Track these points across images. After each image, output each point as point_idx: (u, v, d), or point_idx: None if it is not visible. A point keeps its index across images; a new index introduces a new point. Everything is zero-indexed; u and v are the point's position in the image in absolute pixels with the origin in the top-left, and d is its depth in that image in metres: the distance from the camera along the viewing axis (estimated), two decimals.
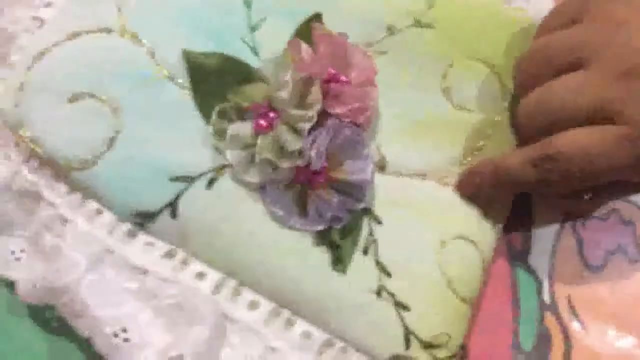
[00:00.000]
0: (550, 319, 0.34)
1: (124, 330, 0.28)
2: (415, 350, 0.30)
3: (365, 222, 0.31)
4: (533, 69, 0.30)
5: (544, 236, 0.35)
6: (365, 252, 0.30)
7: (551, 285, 0.34)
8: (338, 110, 0.29)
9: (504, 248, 0.34)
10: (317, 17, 0.32)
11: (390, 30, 0.33)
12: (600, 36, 0.28)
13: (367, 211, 0.31)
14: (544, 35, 0.30)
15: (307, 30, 0.31)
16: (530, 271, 0.34)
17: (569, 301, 0.34)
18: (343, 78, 0.30)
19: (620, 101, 0.27)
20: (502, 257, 0.34)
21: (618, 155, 0.27)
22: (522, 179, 0.29)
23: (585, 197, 0.31)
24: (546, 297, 0.34)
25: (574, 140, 0.28)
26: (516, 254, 0.34)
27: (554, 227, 0.35)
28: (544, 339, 0.33)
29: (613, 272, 0.34)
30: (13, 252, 0.32)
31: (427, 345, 0.30)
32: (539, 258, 0.34)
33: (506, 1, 0.35)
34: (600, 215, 0.35)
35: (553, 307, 0.34)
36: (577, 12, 0.30)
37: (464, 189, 0.32)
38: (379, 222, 0.31)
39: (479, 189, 0.31)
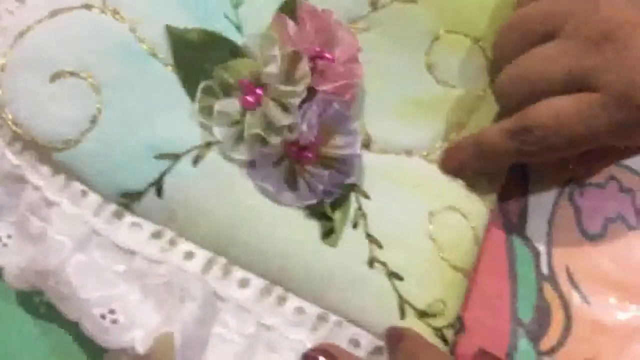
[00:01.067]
0: (549, 291, 0.33)
1: (112, 312, 0.28)
2: (411, 319, 0.29)
3: (354, 198, 0.30)
4: (510, 41, 0.30)
5: (540, 206, 0.34)
6: (355, 226, 0.30)
7: (549, 256, 0.34)
8: (325, 87, 0.29)
9: (499, 220, 0.34)
10: None
11: (374, 5, 0.33)
12: (571, 6, 0.28)
13: (355, 187, 0.31)
14: (520, 7, 0.31)
15: (291, 6, 0.30)
16: (527, 242, 0.34)
17: (568, 271, 0.33)
18: (327, 55, 0.30)
19: (593, 69, 0.27)
20: (498, 229, 0.34)
21: (594, 122, 0.27)
22: (501, 151, 0.30)
23: (570, 166, 0.32)
24: (544, 269, 0.33)
25: (549, 110, 0.28)
26: (512, 225, 0.34)
27: (551, 197, 0.34)
28: (543, 311, 0.33)
29: (613, 240, 0.34)
30: (0, 239, 0.32)
31: (423, 314, 0.30)
32: (535, 228, 0.34)
33: None
34: (598, 183, 0.34)
35: (551, 278, 0.33)
36: None
37: (448, 165, 0.32)
38: (367, 197, 0.31)
39: (463, 164, 0.32)
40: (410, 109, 0.32)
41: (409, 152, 0.32)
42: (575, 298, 0.33)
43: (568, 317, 0.33)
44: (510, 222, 0.34)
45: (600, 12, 0.28)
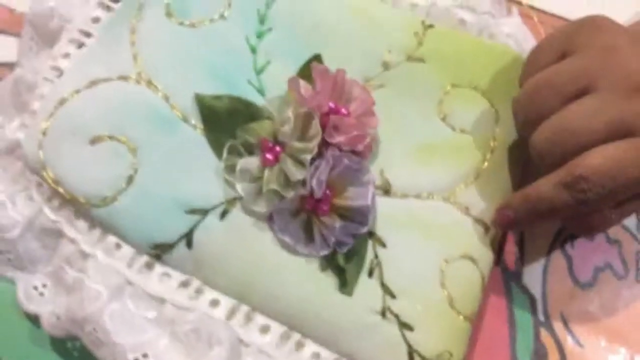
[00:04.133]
0: (545, 335, 0.36)
1: (145, 356, 0.30)
2: None
3: (370, 246, 0.33)
4: (539, 102, 0.32)
5: (535, 256, 0.37)
6: (370, 274, 0.32)
7: (545, 303, 0.36)
8: (338, 139, 0.32)
9: (498, 268, 0.36)
10: (317, 58, 0.35)
11: (386, 66, 0.36)
12: (600, 63, 0.31)
13: (372, 235, 0.33)
14: (534, 71, 0.33)
15: (309, 71, 0.34)
16: (524, 290, 0.36)
17: (562, 317, 0.36)
18: (343, 110, 0.32)
19: (633, 116, 0.29)
20: (497, 277, 0.36)
21: None
22: (556, 204, 0.31)
23: (613, 215, 0.33)
24: (540, 314, 0.36)
25: (602, 156, 0.29)
26: (510, 274, 0.37)
27: (544, 247, 0.37)
28: (540, 355, 0.35)
29: (602, 288, 0.36)
30: (36, 288, 0.34)
31: None
32: (531, 277, 0.37)
33: (490, 37, 0.38)
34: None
35: (547, 324, 0.36)
36: (565, 46, 0.32)
37: (502, 226, 0.34)
38: (384, 245, 0.33)
39: (515, 222, 0.33)
40: (427, 155, 0.34)
41: (429, 195, 0.34)
42: (569, 342, 0.35)
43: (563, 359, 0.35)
44: (508, 270, 0.37)
45: (631, 66, 0.30)
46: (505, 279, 0.36)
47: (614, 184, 0.30)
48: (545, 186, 0.31)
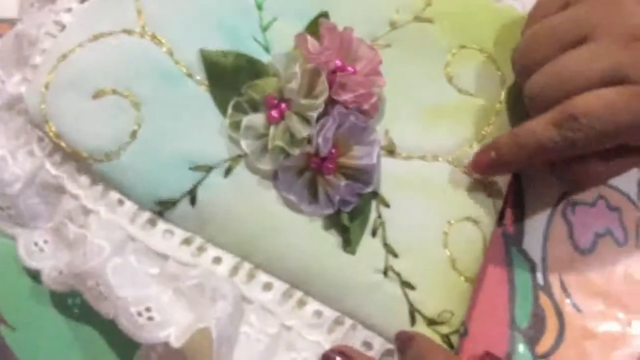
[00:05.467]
0: (544, 299, 0.36)
1: (148, 310, 0.30)
2: (420, 326, 0.32)
3: (374, 206, 0.33)
4: (537, 50, 0.32)
5: (536, 220, 0.37)
6: (373, 234, 0.32)
7: (544, 268, 0.36)
8: (344, 97, 0.32)
9: (498, 231, 0.36)
10: (324, 15, 0.35)
11: (393, 25, 0.36)
12: (602, 13, 0.31)
13: (376, 195, 0.33)
14: (536, 21, 0.33)
15: (315, 28, 0.33)
16: (524, 254, 0.37)
17: (561, 282, 0.36)
18: (349, 68, 0.32)
19: (630, 64, 0.30)
20: (498, 240, 0.36)
21: (637, 109, 0.29)
22: (546, 142, 0.31)
23: (600, 168, 0.32)
24: (540, 279, 0.36)
25: (596, 98, 0.30)
26: (511, 237, 0.37)
27: (545, 212, 0.37)
28: (538, 318, 0.35)
29: (602, 254, 0.37)
30: (36, 244, 0.34)
31: (432, 322, 0.32)
32: (532, 242, 0.37)
33: (497, 0, 0.37)
34: (588, 202, 0.38)
35: (546, 288, 0.36)
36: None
37: (481, 161, 0.33)
38: (387, 205, 0.33)
39: (499, 159, 0.33)
40: (432, 117, 0.34)
41: (435, 157, 0.34)
42: (567, 306, 0.36)
43: (561, 324, 0.35)
44: (509, 234, 0.37)
45: (632, 19, 0.30)
46: (505, 243, 0.37)
47: (604, 126, 0.30)
48: (535, 124, 0.31)
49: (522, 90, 0.33)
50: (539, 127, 0.31)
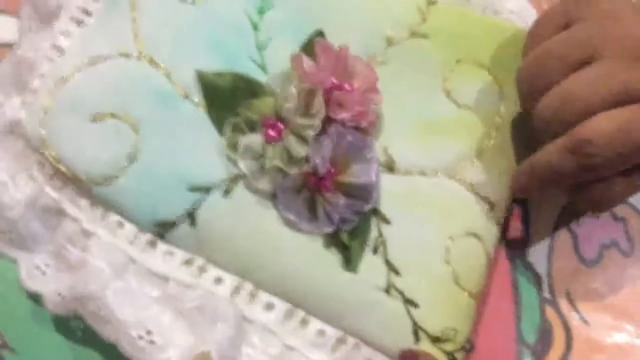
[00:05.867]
0: (550, 313, 0.35)
1: (149, 333, 0.30)
2: (424, 344, 0.31)
3: (374, 223, 0.32)
4: (543, 73, 0.31)
5: (540, 233, 0.37)
6: (375, 251, 0.32)
7: (550, 280, 0.36)
8: (341, 115, 0.32)
9: (502, 245, 0.36)
10: (319, 34, 0.34)
11: (389, 42, 0.35)
12: (603, 31, 0.30)
13: (376, 212, 0.33)
14: (537, 42, 0.32)
15: (311, 47, 0.33)
16: (529, 267, 0.36)
17: (568, 295, 0.36)
18: (346, 86, 0.32)
19: (638, 82, 0.29)
20: (502, 254, 0.36)
21: None
22: (562, 170, 0.30)
23: (618, 188, 0.32)
24: (546, 292, 0.36)
25: (609, 119, 0.29)
26: (515, 251, 0.36)
27: (550, 224, 0.37)
28: (546, 332, 0.35)
29: (608, 265, 0.36)
30: (38, 267, 0.34)
31: (436, 340, 0.32)
32: (536, 254, 0.36)
33: (494, 14, 0.37)
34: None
35: (553, 301, 0.36)
36: (567, 17, 0.32)
37: (517, 192, 0.34)
38: (388, 222, 0.33)
39: (527, 189, 0.33)
40: (431, 132, 0.34)
41: (434, 172, 0.33)
42: (574, 319, 0.35)
43: (569, 337, 0.35)
44: (513, 248, 0.36)
45: (634, 34, 0.30)
46: (510, 256, 0.36)
47: (620, 147, 0.29)
48: (550, 152, 0.31)
49: (527, 112, 0.33)
50: (554, 155, 0.30)
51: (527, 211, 0.37)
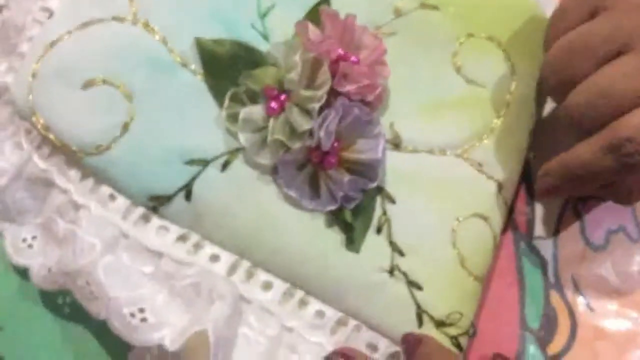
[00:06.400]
0: (555, 298, 0.34)
1: (141, 310, 0.29)
2: (428, 328, 0.30)
3: (379, 202, 0.31)
4: (572, 64, 0.30)
5: (546, 216, 0.36)
6: (378, 231, 0.31)
7: (556, 265, 0.35)
8: (347, 88, 0.30)
9: (508, 228, 0.35)
10: (325, 2, 0.33)
11: (397, 12, 0.34)
12: (635, 21, 0.29)
13: (380, 190, 0.31)
14: (561, 31, 0.31)
15: (316, 15, 0.31)
16: (535, 251, 0.35)
17: (573, 280, 0.35)
18: (353, 58, 0.30)
19: None
20: (507, 236, 0.35)
21: None
22: (599, 170, 0.29)
23: None
24: (551, 277, 0.35)
25: None
26: (521, 234, 0.35)
27: (556, 208, 0.36)
28: (550, 318, 0.34)
29: (615, 250, 0.35)
30: (25, 240, 0.32)
31: (440, 324, 0.31)
32: (543, 238, 0.35)
33: None
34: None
35: (558, 286, 0.35)
36: (590, 5, 0.30)
37: (543, 194, 0.32)
38: (393, 201, 0.31)
39: (557, 190, 0.31)
40: (439, 108, 0.33)
41: (442, 151, 0.32)
42: (580, 305, 0.34)
43: (573, 323, 0.34)
44: (519, 231, 0.35)
45: None
46: (516, 239, 0.35)
47: None
48: (585, 151, 0.29)
49: (538, 95, 0.32)
50: (591, 154, 0.29)
51: (533, 193, 0.36)
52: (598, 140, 0.29)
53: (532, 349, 0.33)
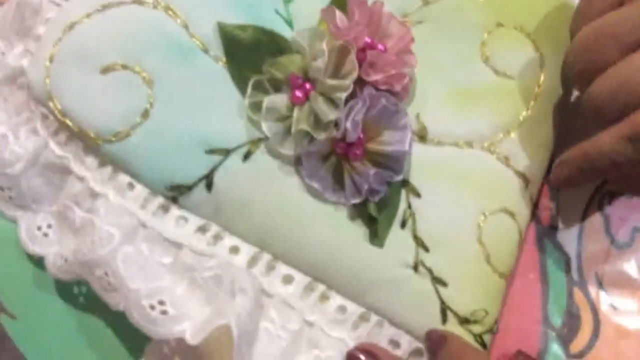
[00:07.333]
0: (579, 295, 0.34)
1: (161, 303, 0.28)
2: (452, 325, 0.30)
3: (404, 195, 0.30)
4: (597, 52, 0.29)
5: (571, 212, 0.35)
6: (403, 225, 0.30)
7: (579, 262, 0.34)
8: (374, 77, 0.29)
9: (532, 223, 0.34)
10: None
11: (425, 0, 0.33)
12: None
13: (406, 183, 0.31)
14: (588, 18, 0.30)
15: (342, 1, 0.31)
16: (559, 247, 0.34)
17: (597, 277, 0.34)
18: (380, 46, 0.30)
19: None
20: (531, 232, 0.34)
21: None
22: (620, 160, 0.29)
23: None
24: (574, 274, 0.34)
25: None
26: (544, 230, 0.34)
27: (581, 204, 0.35)
28: (573, 315, 0.33)
29: (639, 249, 0.35)
30: (40, 228, 0.32)
31: (464, 321, 0.30)
32: (566, 235, 0.35)
33: None
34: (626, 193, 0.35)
35: (581, 284, 0.34)
36: None
37: (557, 183, 0.32)
38: (418, 195, 0.31)
39: (572, 179, 0.31)
40: (467, 100, 0.32)
41: (468, 143, 0.32)
42: (602, 302, 0.34)
43: (596, 322, 0.33)
44: (543, 227, 0.35)
45: None
46: (539, 235, 0.34)
47: None
48: (606, 141, 0.29)
49: (567, 88, 0.31)
50: (612, 143, 0.29)
51: (558, 189, 0.35)
52: (619, 130, 0.29)
53: (554, 346, 0.33)
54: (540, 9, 0.34)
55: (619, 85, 0.28)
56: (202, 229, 0.30)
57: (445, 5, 0.33)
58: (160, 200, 0.30)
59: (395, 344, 0.30)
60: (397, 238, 0.30)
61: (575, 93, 0.35)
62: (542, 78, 0.33)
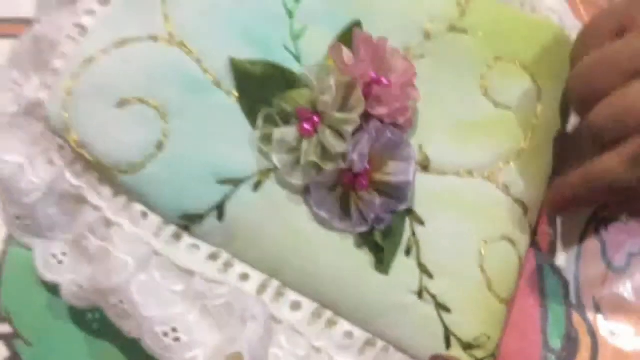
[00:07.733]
0: (577, 319, 0.35)
1: (174, 330, 0.29)
2: (456, 350, 0.31)
3: (408, 223, 0.32)
4: (598, 79, 0.30)
5: (569, 239, 0.36)
6: (407, 253, 0.31)
7: (577, 286, 0.35)
8: (380, 111, 0.30)
9: (531, 249, 0.35)
10: (357, 24, 0.33)
11: (427, 35, 0.34)
12: None
13: (410, 212, 0.32)
14: (590, 48, 0.31)
15: (348, 37, 0.32)
16: (557, 272, 0.36)
17: (595, 302, 0.35)
18: (384, 80, 0.31)
19: None
20: (530, 258, 0.35)
21: None
22: (623, 181, 0.29)
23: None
24: (573, 298, 0.35)
25: None
26: (543, 255, 0.36)
27: (578, 229, 0.36)
28: (572, 339, 0.34)
29: (635, 273, 0.36)
30: (55, 256, 0.32)
31: (467, 346, 0.31)
32: (565, 260, 0.36)
33: (532, 11, 0.36)
34: (622, 219, 0.37)
35: (580, 308, 0.35)
36: (619, 22, 0.31)
37: (555, 203, 0.33)
38: (421, 223, 0.32)
39: (572, 202, 0.32)
40: (467, 131, 0.33)
41: (469, 173, 0.33)
42: (601, 326, 0.35)
43: (595, 345, 0.34)
44: (542, 252, 0.36)
45: None
46: (538, 261, 0.36)
47: None
48: (609, 163, 0.30)
49: (563, 118, 0.32)
50: (616, 166, 0.29)
51: (555, 214, 0.36)
52: (623, 152, 0.29)
53: None
54: (537, 43, 0.35)
55: (620, 111, 0.29)
56: (213, 257, 0.31)
57: (445, 40, 0.34)
58: (172, 228, 0.31)
59: None
60: (402, 265, 0.31)
61: (572, 123, 0.36)
62: (539, 110, 0.34)
